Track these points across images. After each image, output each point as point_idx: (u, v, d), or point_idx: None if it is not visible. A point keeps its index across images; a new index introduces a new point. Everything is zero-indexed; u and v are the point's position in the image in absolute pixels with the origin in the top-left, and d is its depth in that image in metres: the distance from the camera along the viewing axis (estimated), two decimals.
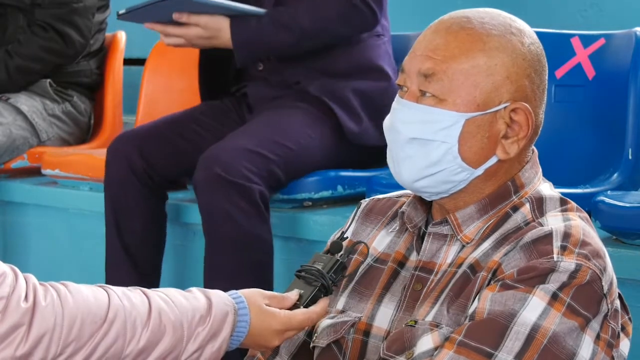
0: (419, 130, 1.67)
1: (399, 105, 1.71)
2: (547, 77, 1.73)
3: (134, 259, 3.05)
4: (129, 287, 1.60)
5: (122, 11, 2.92)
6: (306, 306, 1.67)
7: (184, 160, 3.05)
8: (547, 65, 1.73)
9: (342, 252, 1.72)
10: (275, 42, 2.96)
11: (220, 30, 2.95)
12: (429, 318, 1.64)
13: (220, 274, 2.80)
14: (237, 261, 2.80)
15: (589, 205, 2.55)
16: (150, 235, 3.10)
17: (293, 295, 1.68)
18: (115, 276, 3.03)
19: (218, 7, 2.91)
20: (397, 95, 1.72)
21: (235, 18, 2.95)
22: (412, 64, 1.69)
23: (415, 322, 1.65)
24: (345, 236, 1.78)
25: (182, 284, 3.33)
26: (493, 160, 1.69)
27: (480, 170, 1.69)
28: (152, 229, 3.11)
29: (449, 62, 1.66)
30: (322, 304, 1.69)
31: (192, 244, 3.25)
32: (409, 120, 1.68)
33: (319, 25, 2.96)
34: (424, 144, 1.67)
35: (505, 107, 1.67)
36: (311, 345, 1.80)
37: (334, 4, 2.96)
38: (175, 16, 2.90)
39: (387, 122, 1.73)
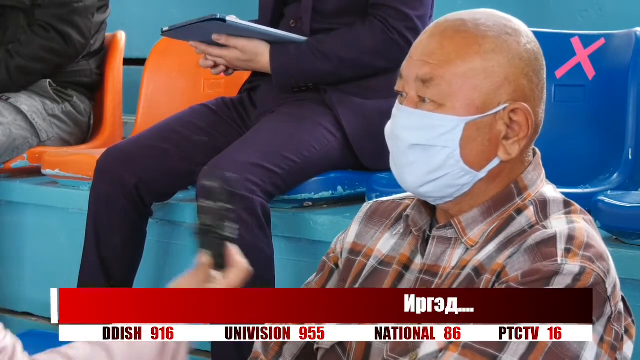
0: (420, 136, 1.67)
1: (398, 111, 1.71)
2: (545, 76, 1.72)
3: (109, 272, 3.04)
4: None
5: (165, 28, 2.98)
6: (221, 266, 1.68)
7: (177, 172, 3.02)
8: (545, 63, 1.72)
9: (222, 198, 1.68)
10: (314, 70, 2.97)
11: (258, 55, 2.97)
12: None
13: None
14: None
15: (589, 205, 2.55)
16: (129, 252, 3.08)
17: (205, 263, 1.68)
18: (87, 287, 3.01)
19: (259, 32, 2.95)
20: (397, 101, 1.72)
21: (275, 44, 2.97)
22: (410, 70, 1.69)
23: None
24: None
25: None
26: (495, 162, 1.69)
27: (483, 173, 1.69)
28: (132, 247, 3.08)
29: (445, 67, 1.66)
30: (235, 257, 1.69)
31: (192, 244, 3.24)
32: (410, 127, 1.68)
33: (357, 57, 2.96)
34: (426, 149, 1.67)
35: (504, 108, 1.67)
36: (315, 347, 1.80)
37: (372, 36, 2.95)
38: (215, 37, 2.93)
39: (388, 129, 1.73)
